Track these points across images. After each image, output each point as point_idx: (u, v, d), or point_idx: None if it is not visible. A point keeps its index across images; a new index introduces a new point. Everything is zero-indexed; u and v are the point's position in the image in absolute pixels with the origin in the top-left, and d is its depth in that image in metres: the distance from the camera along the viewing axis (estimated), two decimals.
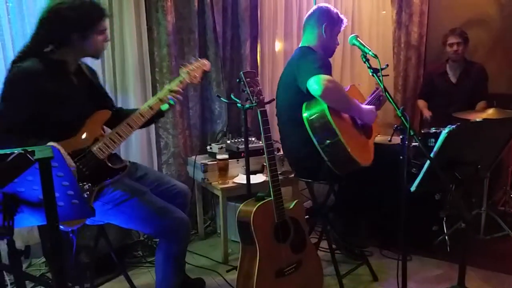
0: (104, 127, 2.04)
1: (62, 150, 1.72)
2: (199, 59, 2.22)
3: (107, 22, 1.96)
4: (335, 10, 2.48)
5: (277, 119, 2.51)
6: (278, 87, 2.50)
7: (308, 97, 2.18)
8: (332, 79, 2.13)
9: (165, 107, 2.06)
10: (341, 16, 2.49)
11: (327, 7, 2.48)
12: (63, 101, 1.85)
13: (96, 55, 1.99)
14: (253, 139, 3.08)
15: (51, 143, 1.70)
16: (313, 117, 2.15)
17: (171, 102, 2.07)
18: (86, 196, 1.82)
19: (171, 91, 2.06)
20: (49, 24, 1.82)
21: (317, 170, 2.28)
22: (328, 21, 2.41)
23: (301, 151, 2.30)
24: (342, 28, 2.52)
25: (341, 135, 2.09)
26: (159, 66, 3.01)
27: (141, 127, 2.08)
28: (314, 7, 2.51)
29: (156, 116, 2.10)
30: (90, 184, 1.85)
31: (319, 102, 2.13)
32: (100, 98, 2.09)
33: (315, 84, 2.08)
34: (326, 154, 2.13)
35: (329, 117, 2.09)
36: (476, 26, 3.86)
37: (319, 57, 2.26)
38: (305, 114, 2.17)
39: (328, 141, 2.11)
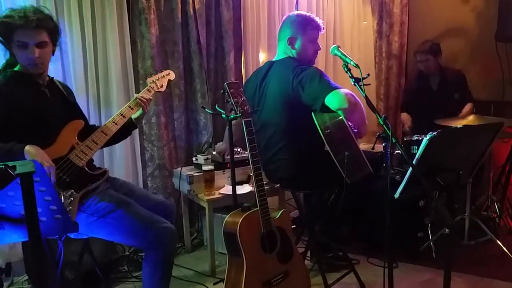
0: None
1: (41, 152, 1.76)
2: (164, 70, 2.37)
3: (25, 34, 1.83)
4: (307, 15, 2.38)
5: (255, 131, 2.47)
6: (265, 100, 2.40)
7: (305, 110, 2.16)
8: (351, 93, 2.11)
9: (136, 114, 2.16)
10: (315, 20, 2.37)
11: (293, 15, 2.39)
12: (36, 111, 1.90)
13: (26, 70, 1.92)
14: (239, 149, 3.08)
15: (28, 147, 1.74)
16: (329, 127, 2.11)
17: (141, 110, 2.16)
18: (70, 201, 1.82)
19: (139, 98, 2.15)
20: None
21: (308, 179, 2.29)
22: (294, 31, 2.33)
23: (295, 163, 2.29)
24: (320, 33, 2.40)
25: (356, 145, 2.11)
26: (143, 79, 3.00)
27: (117, 139, 2.16)
28: (284, 17, 2.44)
29: (130, 127, 2.19)
30: (72, 190, 1.85)
31: (333, 114, 2.12)
32: (74, 112, 2.11)
33: (338, 99, 2.06)
34: (343, 163, 2.08)
35: (348, 128, 2.11)
36: (455, 35, 3.95)
37: (318, 70, 2.22)
38: (317, 123, 2.13)
39: (346, 153, 2.08)
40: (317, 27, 2.38)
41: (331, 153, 2.10)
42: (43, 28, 1.88)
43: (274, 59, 2.47)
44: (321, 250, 2.67)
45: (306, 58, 2.39)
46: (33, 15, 1.83)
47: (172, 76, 2.38)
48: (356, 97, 2.13)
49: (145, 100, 2.16)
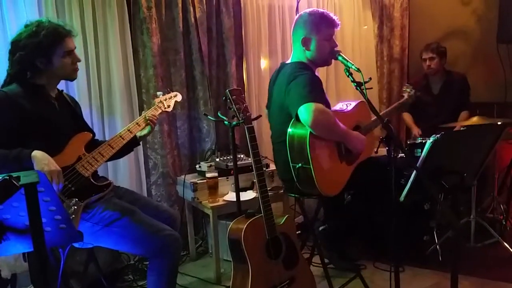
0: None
1: (47, 157, 1.77)
2: (171, 91, 2.45)
3: (71, 43, 1.97)
4: (319, 12, 2.28)
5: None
6: (271, 103, 2.42)
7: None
8: (322, 109, 2.06)
9: (143, 132, 2.20)
10: (330, 16, 2.27)
11: (306, 13, 2.29)
12: (45, 122, 1.92)
13: (69, 77, 2.06)
14: (242, 156, 3.08)
15: (36, 152, 1.77)
16: (294, 137, 2.14)
17: (149, 128, 2.20)
18: (73, 209, 1.83)
19: (147, 117, 2.19)
20: (12, 56, 1.93)
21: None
22: (308, 31, 2.26)
23: (289, 167, 2.29)
24: (336, 29, 2.30)
25: (313, 164, 2.06)
26: (145, 87, 3.02)
27: (120, 155, 2.19)
28: (297, 16, 2.38)
29: (132, 144, 2.21)
30: (77, 199, 1.86)
31: (303, 125, 2.10)
32: (80, 125, 2.14)
33: (305, 113, 2.03)
34: (295, 172, 2.13)
35: (307, 145, 2.06)
36: (456, 37, 3.96)
37: (310, 79, 2.16)
38: (289, 130, 2.15)
39: (299, 164, 2.11)
40: (332, 24, 2.27)
41: (288, 156, 2.14)
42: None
43: (288, 61, 2.41)
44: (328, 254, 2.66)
45: (322, 58, 2.30)
46: (69, 24, 1.99)
47: (179, 98, 2.44)
48: (328, 115, 2.09)
49: (154, 118, 2.21)
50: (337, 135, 2.16)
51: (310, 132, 2.06)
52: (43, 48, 1.89)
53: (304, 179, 2.13)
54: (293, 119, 2.16)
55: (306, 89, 2.10)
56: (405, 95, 2.90)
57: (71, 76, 2.04)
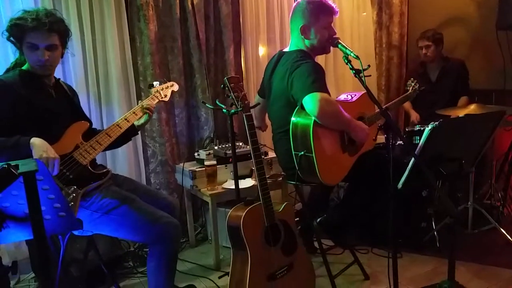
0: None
1: (46, 144, 1.78)
2: (168, 81, 2.48)
3: (36, 38, 1.86)
4: (318, 0, 2.26)
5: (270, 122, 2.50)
6: (271, 93, 2.41)
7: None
8: (328, 99, 2.07)
9: (141, 121, 2.21)
10: (328, 3, 2.26)
11: (304, 1, 2.26)
12: (41, 110, 1.93)
13: (34, 71, 1.95)
14: (241, 144, 3.08)
15: (34, 139, 1.77)
16: (298, 125, 2.15)
17: (146, 116, 2.21)
18: (72, 197, 1.84)
19: (144, 106, 2.20)
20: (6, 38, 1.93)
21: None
22: (306, 19, 2.24)
23: (288, 155, 2.30)
24: (335, 16, 2.29)
25: (316, 153, 2.08)
26: (143, 75, 3.01)
27: (119, 144, 2.21)
28: (294, 4, 2.35)
29: (130, 133, 2.23)
30: (75, 187, 1.87)
31: (308, 114, 2.10)
32: (78, 113, 2.14)
33: (311, 103, 2.03)
34: (296, 160, 2.15)
35: (310, 134, 2.08)
36: (455, 24, 3.93)
37: (313, 67, 2.16)
38: (293, 118, 2.16)
39: (302, 152, 2.13)
40: (330, 12, 2.26)
41: (291, 144, 2.16)
42: (55, 32, 1.90)
43: (285, 50, 2.40)
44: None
45: (321, 46, 2.30)
46: (45, 18, 1.86)
47: (175, 87, 2.47)
48: (333, 105, 2.10)
49: (150, 107, 2.22)
50: (342, 124, 2.17)
51: (314, 121, 2.07)
52: (14, 34, 1.88)
53: (306, 167, 2.14)
54: (297, 108, 2.16)
55: (311, 78, 2.09)
56: (409, 89, 2.93)
57: (35, 71, 1.95)
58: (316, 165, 2.09)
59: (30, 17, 1.84)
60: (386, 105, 2.69)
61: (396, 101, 2.85)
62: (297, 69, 2.17)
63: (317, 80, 2.10)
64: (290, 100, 2.21)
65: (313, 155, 2.08)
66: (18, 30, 1.86)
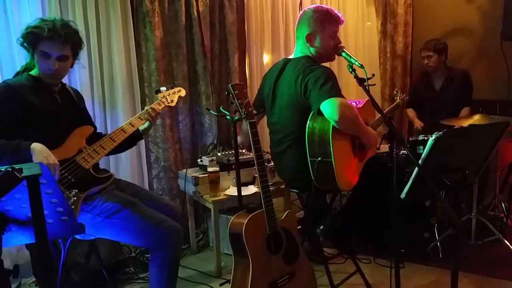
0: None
1: (46, 149, 1.78)
2: (175, 87, 2.46)
3: (48, 47, 1.90)
4: (324, 9, 2.27)
5: (269, 130, 2.46)
6: (275, 101, 2.36)
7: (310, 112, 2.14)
8: (347, 104, 2.05)
9: (144, 126, 2.22)
10: (334, 13, 2.26)
11: (310, 10, 2.28)
12: (46, 115, 1.94)
13: (43, 77, 1.98)
14: (244, 151, 3.08)
15: (35, 144, 1.78)
16: (315, 130, 2.11)
17: (148, 123, 2.21)
18: (73, 201, 1.84)
19: (149, 111, 2.20)
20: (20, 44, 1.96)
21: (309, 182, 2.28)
22: (312, 27, 2.24)
23: (299, 164, 2.26)
24: (341, 26, 2.30)
25: (335, 158, 2.06)
26: (148, 81, 3.02)
27: (121, 149, 2.21)
28: (301, 12, 2.36)
29: (136, 138, 2.24)
30: (76, 190, 1.87)
31: (326, 119, 2.08)
32: (83, 118, 2.16)
33: (332, 108, 2.00)
34: (312, 167, 2.13)
35: (330, 139, 2.06)
36: (460, 34, 3.94)
37: (327, 72, 2.12)
38: (309, 123, 2.12)
39: (320, 158, 2.09)
40: (336, 21, 2.27)
41: (307, 150, 2.13)
42: (68, 43, 1.94)
43: (290, 57, 2.39)
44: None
45: (325, 54, 2.30)
46: (61, 29, 1.90)
47: (183, 93, 2.46)
48: (353, 110, 2.08)
49: (156, 112, 2.22)
50: (359, 129, 2.15)
51: (333, 126, 2.05)
52: (29, 40, 1.91)
53: (322, 173, 2.11)
54: (312, 113, 2.13)
55: (328, 83, 2.07)
56: (397, 98, 3.13)
57: (44, 78, 1.98)
58: (334, 170, 2.07)
59: (46, 27, 1.88)
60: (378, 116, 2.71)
61: (388, 110, 3.03)
62: (311, 73, 2.13)
63: (334, 85, 2.08)
64: (302, 105, 2.17)
65: (332, 160, 2.06)
66: (33, 38, 1.90)
